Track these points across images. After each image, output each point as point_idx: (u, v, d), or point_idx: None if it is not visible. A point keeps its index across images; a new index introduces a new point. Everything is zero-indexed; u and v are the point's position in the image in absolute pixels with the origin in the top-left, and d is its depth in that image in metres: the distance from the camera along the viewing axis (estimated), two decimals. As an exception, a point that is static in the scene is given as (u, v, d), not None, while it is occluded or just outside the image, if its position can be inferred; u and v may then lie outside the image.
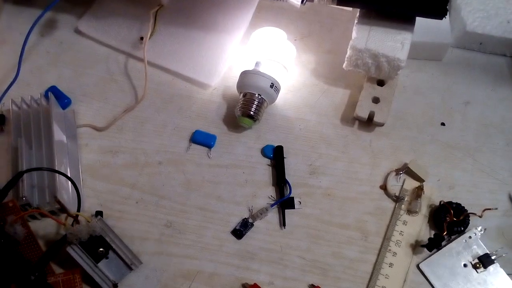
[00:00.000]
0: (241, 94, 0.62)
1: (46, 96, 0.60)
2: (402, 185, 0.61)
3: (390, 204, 0.60)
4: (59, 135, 0.58)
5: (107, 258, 0.52)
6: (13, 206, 0.50)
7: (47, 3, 0.63)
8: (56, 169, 0.53)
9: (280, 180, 0.60)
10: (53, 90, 0.64)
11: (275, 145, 0.62)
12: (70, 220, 0.50)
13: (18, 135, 0.56)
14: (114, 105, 0.65)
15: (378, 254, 0.57)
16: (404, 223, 0.58)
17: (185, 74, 0.67)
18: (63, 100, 0.64)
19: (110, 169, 0.60)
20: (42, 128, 0.56)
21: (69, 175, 0.55)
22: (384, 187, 0.61)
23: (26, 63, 0.67)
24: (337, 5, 0.60)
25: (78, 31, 0.71)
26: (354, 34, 0.63)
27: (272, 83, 0.61)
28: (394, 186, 0.61)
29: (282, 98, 0.66)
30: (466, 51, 0.71)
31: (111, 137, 0.63)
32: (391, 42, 0.62)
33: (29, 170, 0.51)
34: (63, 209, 0.50)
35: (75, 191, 0.53)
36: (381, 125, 0.63)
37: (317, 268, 0.56)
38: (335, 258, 0.56)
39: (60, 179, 0.53)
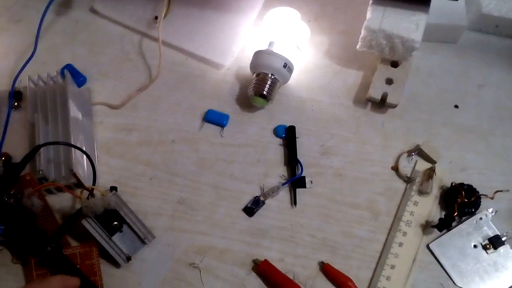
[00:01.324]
0: (254, 74, 0.63)
1: (62, 73, 0.61)
2: (414, 166, 0.61)
3: (401, 185, 0.60)
4: (74, 112, 0.58)
5: (121, 231, 0.53)
6: (31, 179, 0.51)
7: None
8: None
9: (291, 160, 0.60)
10: (69, 68, 0.65)
11: (287, 125, 0.63)
12: (85, 194, 0.51)
13: (35, 111, 0.57)
14: (128, 83, 0.66)
15: (388, 234, 0.57)
16: (415, 203, 0.58)
17: (199, 54, 0.67)
18: (79, 78, 0.64)
19: (125, 147, 0.61)
20: (58, 105, 0.57)
21: (80, 154, 0.57)
22: (395, 168, 0.61)
23: (42, 41, 0.68)
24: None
25: (93, 11, 0.71)
26: (368, 15, 0.62)
27: (285, 63, 0.62)
28: (405, 167, 0.61)
29: (295, 78, 0.66)
30: (481, 34, 0.71)
31: (126, 115, 0.63)
32: (406, 23, 0.61)
33: (46, 144, 0.52)
34: (79, 183, 0.51)
35: (90, 166, 0.54)
36: (394, 106, 0.63)
37: (327, 246, 0.56)
38: (345, 237, 0.57)
39: (75, 154, 0.55)
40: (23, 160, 0.51)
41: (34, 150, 0.51)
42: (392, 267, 0.55)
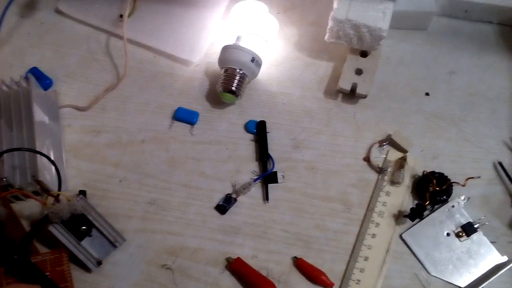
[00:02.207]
0: (223, 70, 0.62)
1: (26, 77, 0.60)
2: (386, 157, 0.60)
3: (373, 176, 0.60)
4: (40, 116, 0.58)
5: (90, 236, 0.52)
6: (-6, 187, 0.50)
7: None
8: (38, 150, 0.53)
9: (263, 155, 0.60)
10: (34, 71, 0.64)
11: (258, 120, 0.62)
12: (51, 200, 0.51)
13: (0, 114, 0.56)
14: (96, 84, 0.65)
15: (361, 226, 0.57)
16: (387, 194, 0.58)
17: (167, 51, 0.66)
18: (45, 81, 0.63)
19: (94, 149, 0.61)
20: (23, 110, 0.56)
21: (51, 156, 0.56)
22: (367, 159, 0.60)
23: (7, 44, 0.67)
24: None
25: (58, 11, 0.70)
26: (335, 5, 0.62)
27: (253, 57, 0.61)
28: (377, 157, 0.60)
29: (265, 72, 0.65)
30: (451, 19, 0.70)
31: (94, 117, 0.63)
32: (373, 12, 0.61)
33: (8, 151, 0.51)
34: (43, 189, 0.51)
35: (57, 171, 0.53)
36: (364, 96, 0.63)
37: (300, 241, 0.56)
38: (319, 230, 0.57)
39: (41, 159, 0.54)
40: (-15, 168, 0.50)
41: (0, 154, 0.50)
42: (366, 258, 0.55)
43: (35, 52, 0.67)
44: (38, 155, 0.53)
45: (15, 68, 0.65)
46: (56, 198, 0.50)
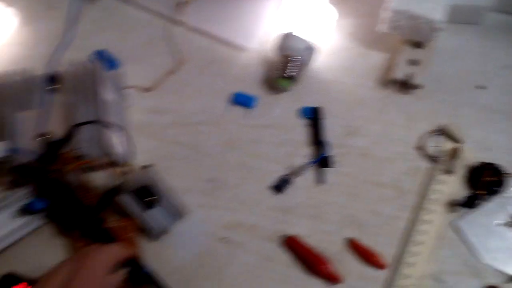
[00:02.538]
0: (280, 56, 0.64)
1: (95, 58, 0.63)
2: (439, 146, 0.62)
3: (425, 164, 0.61)
4: (108, 95, 0.61)
5: (156, 206, 0.55)
6: (71, 157, 0.53)
7: None
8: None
9: (317, 140, 0.62)
10: (102, 53, 0.67)
11: (313, 106, 0.64)
12: (123, 171, 0.54)
13: (72, 93, 0.59)
14: (158, 68, 0.68)
15: (414, 212, 0.58)
16: (440, 182, 0.59)
17: (224, 37, 0.69)
18: (111, 63, 0.67)
19: (156, 128, 0.64)
20: (93, 88, 0.59)
21: (116, 133, 0.59)
22: (420, 148, 0.62)
23: (76, 27, 0.70)
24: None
25: (124, -2, 0.73)
26: (392, -3, 0.63)
27: (310, 45, 0.63)
28: (430, 147, 0.62)
29: (320, 60, 0.67)
30: (505, 15, 0.71)
31: (156, 98, 0.66)
32: (430, 4, 0.62)
33: (85, 123, 0.55)
34: (116, 160, 0.54)
35: (125, 145, 0.56)
36: (418, 87, 0.64)
37: (353, 223, 0.58)
38: (371, 214, 0.58)
39: (112, 134, 0.57)
40: (64, 138, 0.53)
41: (74, 129, 0.54)
42: (418, 243, 0.56)
43: (101, 36, 0.71)
44: (107, 130, 0.56)
45: (83, 51, 0.68)
46: (128, 169, 0.53)
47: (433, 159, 0.61)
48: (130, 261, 0.50)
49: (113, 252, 0.46)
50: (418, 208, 0.58)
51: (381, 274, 0.55)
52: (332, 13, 0.67)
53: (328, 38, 0.69)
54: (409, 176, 0.60)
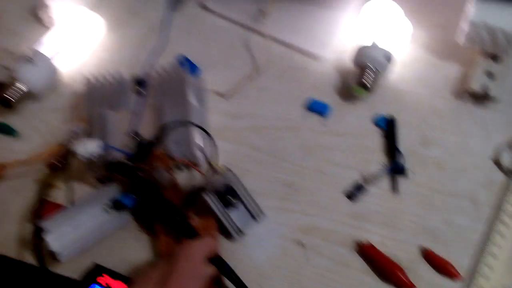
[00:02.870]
0: (357, 66, 0.66)
1: (180, 64, 0.67)
2: (515, 159, 0.61)
3: (501, 177, 0.61)
4: (191, 98, 0.64)
5: (236, 207, 0.58)
6: (161, 156, 0.57)
7: None
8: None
9: (392, 149, 0.63)
10: (184, 59, 0.71)
11: (387, 115, 0.65)
12: (208, 171, 0.57)
13: (159, 96, 0.63)
14: (237, 74, 0.71)
15: (489, 224, 0.58)
16: (517, 195, 0.59)
17: (301, 46, 0.71)
18: (193, 69, 0.70)
19: (234, 131, 0.66)
20: (180, 92, 0.63)
21: (198, 135, 0.62)
22: (496, 161, 0.62)
23: (158, 33, 0.75)
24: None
25: (203, 7, 0.77)
26: (471, 10, 0.64)
27: (387, 56, 0.64)
28: (506, 160, 0.62)
29: (395, 71, 0.68)
30: None
31: (235, 103, 0.69)
32: (509, 17, 0.62)
33: (175, 124, 0.58)
34: (200, 160, 0.57)
35: (209, 147, 0.59)
36: (495, 100, 0.64)
37: (428, 233, 0.58)
38: (446, 224, 0.59)
39: (195, 135, 0.60)
40: (156, 138, 0.57)
41: (165, 129, 0.57)
42: (494, 256, 0.56)
43: (183, 43, 0.74)
44: (193, 131, 0.60)
45: (166, 56, 0.72)
46: (213, 169, 0.57)
47: (509, 172, 0.61)
48: (216, 258, 0.53)
49: (208, 244, 0.49)
50: (494, 220, 0.58)
51: (455, 285, 0.55)
52: (407, 24, 0.68)
53: (403, 49, 0.69)
54: (484, 188, 0.61)
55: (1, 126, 0.69)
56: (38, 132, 0.69)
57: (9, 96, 0.67)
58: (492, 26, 0.62)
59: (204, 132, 0.61)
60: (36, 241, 0.57)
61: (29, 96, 0.69)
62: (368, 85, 0.64)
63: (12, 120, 0.70)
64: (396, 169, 0.62)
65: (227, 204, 0.57)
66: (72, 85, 0.72)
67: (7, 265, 0.59)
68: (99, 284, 0.55)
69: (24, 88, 0.68)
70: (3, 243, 0.61)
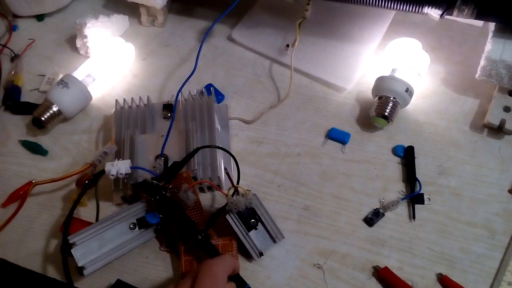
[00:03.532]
0: (377, 97, 0.68)
1: (207, 91, 0.70)
2: (532, 191, 0.63)
3: (518, 208, 0.62)
4: (216, 124, 0.67)
5: (256, 229, 0.60)
6: (187, 177, 0.59)
7: (205, 14, 0.80)
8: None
9: (410, 177, 0.65)
10: (210, 87, 0.75)
11: (406, 145, 0.67)
12: (231, 192, 0.59)
13: (186, 120, 0.66)
14: (260, 102, 0.74)
15: (505, 253, 0.59)
16: (534, 226, 0.60)
17: (324, 78, 0.74)
18: (218, 96, 0.74)
19: (256, 157, 0.69)
20: (205, 117, 0.66)
21: (222, 159, 0.65)
22: (512, 191, 0.63)
23: (187, 63, 0.79)
24: (475, 18, 0.64)
25: (230, 39, 0.81)
26: (488, 46, 0.66)
27: (407, 88, 0.67)
28: (523, 191, 0.63)
29: (413, 103, 0.71)
30: None
31: (257, 130, 0.71)
32: (526, 54, 0.64)
33: (203, 147, 0.61)
34: (229, 180, 0.60)
35: (232, 170, 0.62)
36: (511, 133, 0.66)
37: (444, 260, 0.59)
38: (462, 252, 0.60)
39: (219, 158, 0.63)
40: (184, 159, 0.60)
41: (193, 152, 0.60)
42: (510, 284, 0.57)
43: (209, 71, 0.78)
44: (218, 155, 0.62)
45: (193, 84, 0.76)
46: (236, 190, 0.59)
47: (526, 203, 0.62)
48: (235, 276, 0.54)
49: (230, 263, 0.51)
50: (510, 248, 0.59)
51: (473, 313, 0.56)
52: (426, 58, 0.71)
53: (421, 82, 0.72)
54: (501, 217, 0.62)
55: (32, 145, 0.72)
56: (67, 152, 0.72)
57: (41, 116, 0.70)
58: (509, 63, 0.64)
59: (228, 156, 0.64)
60: (64, 256, 0.59)
61: (60, 117, 0.72)
62: (388, 115, 0.66)
63: (43, 140, 0.73)
64: (414, 197, 0.63)
65: (248, 225, 0.59)
66: (103, 108, 0.75)
67: (33, 280, 0.61)
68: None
69: (56, 110, 0.71)
70: (29, 258, 0.63)
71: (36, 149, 0.72)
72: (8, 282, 0.61)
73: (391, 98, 0.67)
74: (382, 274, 0.58)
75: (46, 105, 0.72)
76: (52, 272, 0.62)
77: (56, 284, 0.61)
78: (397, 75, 0.68)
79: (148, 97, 0.71)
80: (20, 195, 0.66)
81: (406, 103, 0.68)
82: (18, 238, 0.65)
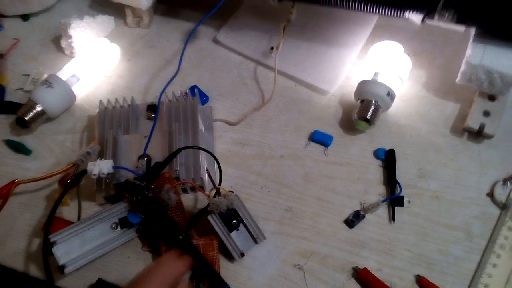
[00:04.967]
0: (359, 100, 0.69)
1: (191, 92, 0.70)
2: (509, 194, 0.64)
3: (495, 211, 0.63)
4: (200, 125, 0.68)
5: (238, 230, 0.60)
6: (169, 177, 0.60)
7: (190, 15, 0.81)
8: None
9: (391, 180, 0.65)
10: (194, 88, 0.75)
11: (387, 148, 0.68)
12: (212, 194, 0.59)
13: (170, 121, 0.67)
14: (244, 104, 0.75)
15: (482, 255, 0.60)
16: (510, 229, 0.61)
17: (307, 81, 0.75)
18: (202, 98, 0.74)
19: (240, 158, 0.69)
20: (189, 118, 0.66)
21: (205, 160, 0.65)
22: (491, 195, 0.64)
23: (172, 65, 0.79)
24: (456, 23, 0.66)
25: (216, 41, 0.82)
26: (469, 51, 0.67)
27: (388, 91, 0.68)
28: (501, 194, 0.64)
29: (395, 106, 0.71)
30: None
31: (241, 132, 0.72)
32: (506, 60, 0.66)
33: (186, 148, 0.62)
34: (211, 181, 0.60)
35: (214, 171, 0.62)
36: (491, 137, 0.67)
37: (423, 262, 0.60)
38: (441, 254, 0.61)
39: (202, 159, 0.63)
40: (166, 160, 0.60)
41: (175, 152, 0.60)
42: (486, 286, 0.58)
43: (194, 73, 0.79)
44: (201, 156, 0.63)
45: (177, 85, 0.76)
46: (218, 190, 0.59)
47: (503, 206, 0.63)
48: (215, 276, 0.55)
49: (168, 267, 0.52)
50: (487, 251, 0.60)
51: (450, 314, 0.57)
52: (408, 62, 0.72)
53: (403, 86, 0.73)
54: (479, 220, 0.63)
55: (16, 144, 0.72)
56: (51, 151, 0.72)
57: (25, 116, 0.70)
58: (489, 68, 0.66)
59: (211, 157, 0.64)
60: (45, 255, 0.59)
61: (44, 117, 0.72)
62: (370, 118, 0.67)
63: (27, 139, 0.73)
64: (394, 199, 0.64)
65: (229, 226, 0.59)
66: (87, 109, 0.76)
67: (15, 279, 0.61)
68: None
69: (40, 110, 0.71)
70: (11, 257, 0.63)
71: (19, 148, 0.72)
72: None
73: (373, 102, 0.68)
74: (361, 275, 0.59)
75: (29, 104, 0.72)
76: (34, 271, 0.62)
77: (38, 283, 0.60)
78: (379, 79, 0.69)
79: (132, 97, 0.71)
80: (2, 194, 0.66)
81: (388, 106, 0.69)
82: (0, 237, 0.64)
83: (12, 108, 0.75)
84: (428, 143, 0.69)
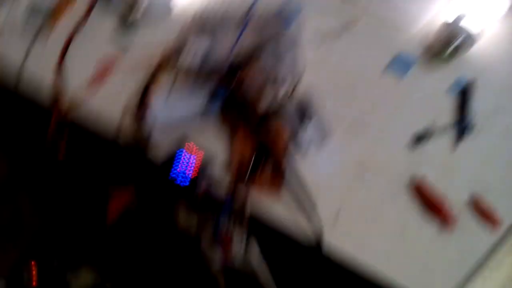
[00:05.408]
0: (447, 33, 0.71)
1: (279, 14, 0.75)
2: None
3: None
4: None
5: (308, 126, 0.66)
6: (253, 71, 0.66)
7: None
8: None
9: (463, 109, 0.68)
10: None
11: (466, 79, 0.70)
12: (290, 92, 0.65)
13: (258, 31, 0.72)
14: (333, 23, 0.77)
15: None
16: None
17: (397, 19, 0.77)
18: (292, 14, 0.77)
19: (324, 71, 0.72)
20: (275, 31, 0.71)
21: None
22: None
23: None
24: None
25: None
26: None
27: (474, 28, 0.69)
28: None
29: (483, 42, 0.72)
30: None
31: (327, 48, 0.74)
32: None
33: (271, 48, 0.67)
34: (291, 80, 0.66)
35: (294, 67, 0.67)
36: None
37: (480, 184, 0.63)
38: (499, 181, 0.63)
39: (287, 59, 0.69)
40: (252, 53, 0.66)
41: (261, 47, 0.67)
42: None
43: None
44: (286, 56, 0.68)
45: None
46: (295, 91, 0.66)
47: None
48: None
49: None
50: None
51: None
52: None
53: (491, 22, 0.73)
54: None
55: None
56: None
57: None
58: None
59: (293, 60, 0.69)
60: (138, 121, 0.67)
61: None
62: (454, 50, 0.69)
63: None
64: (463, 126, 0.66)
65: (302, 119, 0.65)
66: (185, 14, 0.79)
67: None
68: (186, 151, 0.64)
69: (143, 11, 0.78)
70: (108, 127, 0.70)
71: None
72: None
73: (460, 35, 0.69)
74: (417, 185, 0.62)
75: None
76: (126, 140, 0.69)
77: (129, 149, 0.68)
78: (466, 15, 0.70)
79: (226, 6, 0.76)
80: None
81: (474, 41, 0.70)
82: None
83: None
84: (509, 80, 0.70)
